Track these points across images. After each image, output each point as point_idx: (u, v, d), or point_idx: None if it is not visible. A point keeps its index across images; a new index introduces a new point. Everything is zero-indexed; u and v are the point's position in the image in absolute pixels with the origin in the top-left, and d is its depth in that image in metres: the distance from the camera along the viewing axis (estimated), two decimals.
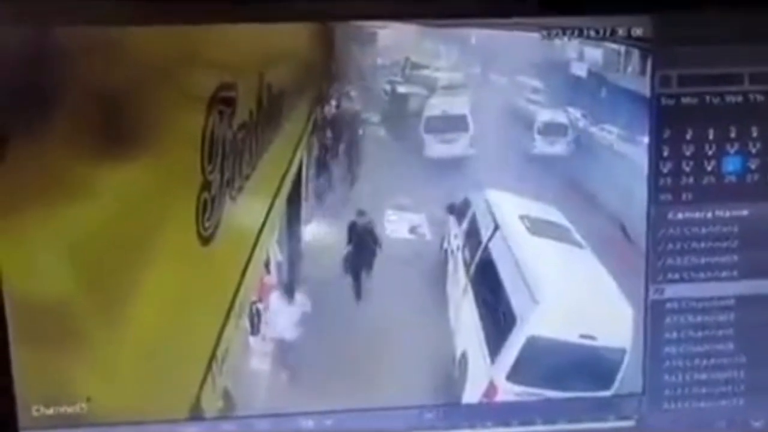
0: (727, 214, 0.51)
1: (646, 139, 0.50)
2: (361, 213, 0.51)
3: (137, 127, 0.46)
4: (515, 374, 0.52)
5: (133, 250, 0.47)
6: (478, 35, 0.49)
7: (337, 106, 0.49)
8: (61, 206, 0.46)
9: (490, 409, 0.53)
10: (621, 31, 0.49)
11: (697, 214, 0.51)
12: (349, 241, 0.51)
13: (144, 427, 0.50)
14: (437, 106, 0.51)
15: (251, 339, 0.51)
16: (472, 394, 0.53)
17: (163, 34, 0.46)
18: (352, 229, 0.51)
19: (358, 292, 0.52)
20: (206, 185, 0.47)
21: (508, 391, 0.52)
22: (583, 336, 0.52)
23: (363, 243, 0.51)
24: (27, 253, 0.46)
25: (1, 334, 0.47)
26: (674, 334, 0.53)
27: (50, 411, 0.49)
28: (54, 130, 0.45)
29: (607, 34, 0.49)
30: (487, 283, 0.53)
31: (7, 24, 0.44)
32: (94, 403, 0.49)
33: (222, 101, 0.47)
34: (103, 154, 0.46)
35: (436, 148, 0.51)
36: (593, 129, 0.51)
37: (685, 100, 0.50)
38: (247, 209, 0.49)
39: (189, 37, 0.46)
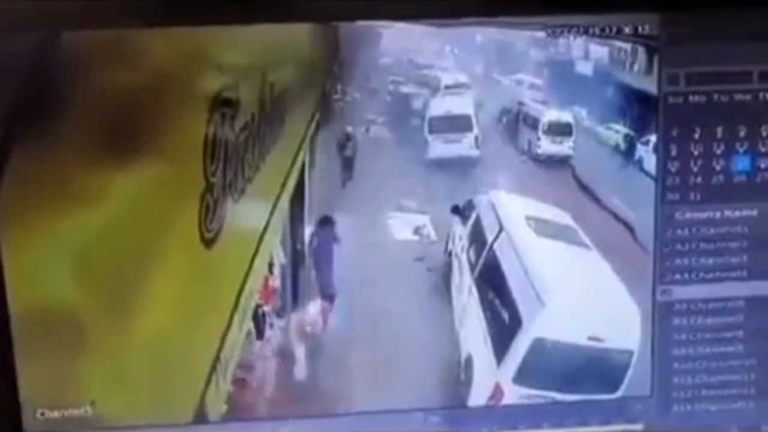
0: (736, 214, 0.51)
1: (653, 138, 0.50)
2: (364, 214, 0.50)
3: (139, 129, 0.46)
4: (521, 377, 0.52)
5: (136, 254, 0.47)
6: (482, 34, 0.48)
7: (340, 107, 0.49)
8: (64, 211, 0.46)
9: (496, 412, 0.52)
10: (628, 29, 0.48)
11: (706, 214, 0.51)
12: (353, 242, 0.51)
13: (148, 430, 0.50)
14: (441, 106, 0.50)
15: (255, 342, 0.51)
16: (478, 397, 0.52)
17: (165, 37, 0.45)
18: (356, 230, 0.51)
19: (362, 294, 0.51)
20: (209, 188, 0.47)
21: (515, 394, 0.52)
22: (590, 338, 0.51)
23: (367, 244, 0.51)
24: (31, 258, 0.46)
25: (6, 338, 0.47)
26: (682, 336, 0.52)
27: (55, 414, 0.49)
28: (57, 135, 0.45)
29: (614, 32, 0.48)
30: (493, 285, 0.52)
31: (9, 29, 0.44)
32: (99, 407, 0.49)
33: (224, 103, 0.47)
34: (106, 158, 0.46)
35: (439, 148, 0.51)
36: (599, 128, 0.50)
37: (692, 99, 0.49)
38: (250, 211, 0.49)
39: (191, 39, 0.46)
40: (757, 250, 0.51)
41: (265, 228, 0.50)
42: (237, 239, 0.49)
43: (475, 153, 0.51)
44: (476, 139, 0.51)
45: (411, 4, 0.47)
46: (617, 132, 0.50)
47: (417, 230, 0.52)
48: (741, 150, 0.50)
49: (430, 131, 0.50)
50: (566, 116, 0.50)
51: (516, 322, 0.52)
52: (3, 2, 0.44)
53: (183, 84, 0.46)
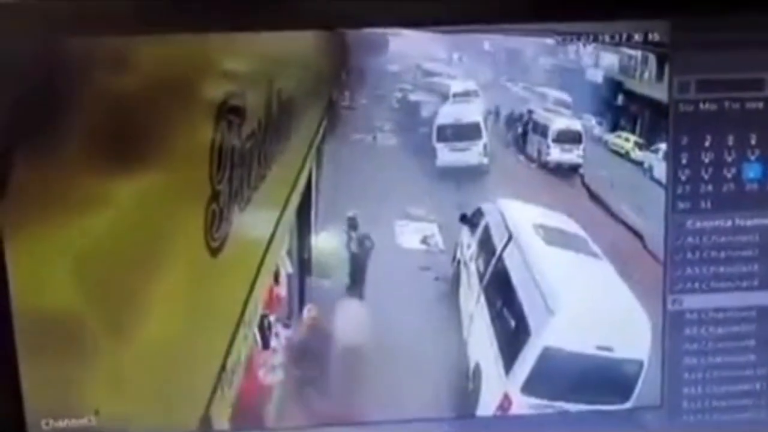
0: (748, 222, 0.50)
1: (663, 147, 0.49)
2: (372, 223, 0.50)
3: (145, 137, 0.46)
4: (530, 386, 0.51)
5: (142, 262, 0.47)
6: (491, 42, 0.48)
7: (348, 115, 0.48)
8: (69, 219, 0.45)
9: (505, 422, 0.52)
10: (638, 37, 0.48)
11: (717, 223, 0.50)
12: (361, 251, 0.50)
13: None
14: (450, 113, 0.50)
15: (261, 351, 0.51)
16: (486, 407, 0.52)
17: (171, 44, 0.45)
18: (364, 239, 0.50)
19: (369, 304, 0.51)
20: (215, 196, 0.47)
21: (523, 404, 0.52)
22: (599, 347, 0.51)
23: (374, 253, 0.50)
24: (36, 266, 0.46)
25: (10, 347, 0.47)
26: (693, 346, 0.52)
27: (59, 424, 0.49)
28: (62, 142, 0.45)
29: (624, 39, 0.48)
30: (501, 294, 0.52)
31: (13, 36, 0.44)
32: (103, 416, 0.48)
33: (230, 111, 0.46)
34: (111, 165, 0.45)
35: (448, 156, 0.50)
36: (609, 136, 0.50)
37: (703, 107, 0.49)
38: (256, 220, 0.49)
39: (197, 46, 0.45)
40: None
41: (272, 237, 0.49)
42: (243, 248, 0.48)
43: (483, 161, 0.50)
44: (485, 147, 0.50)
45: (419, 11, 0.46)
46: (627, 140, 0.50)
47: (425, 239, 0.51)
48: (752, 158, 0.50)
49: (439, 139, 0.50)
50: (576, 124, 0.50)
51: (525, 331, 0.51)
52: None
53: (189, 91, 0.46)
